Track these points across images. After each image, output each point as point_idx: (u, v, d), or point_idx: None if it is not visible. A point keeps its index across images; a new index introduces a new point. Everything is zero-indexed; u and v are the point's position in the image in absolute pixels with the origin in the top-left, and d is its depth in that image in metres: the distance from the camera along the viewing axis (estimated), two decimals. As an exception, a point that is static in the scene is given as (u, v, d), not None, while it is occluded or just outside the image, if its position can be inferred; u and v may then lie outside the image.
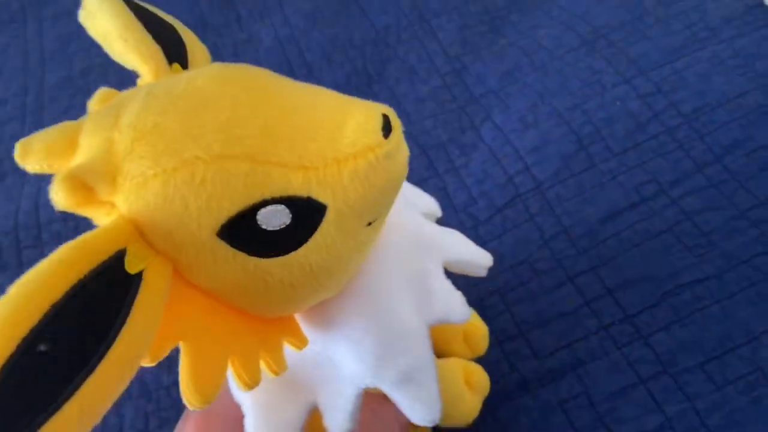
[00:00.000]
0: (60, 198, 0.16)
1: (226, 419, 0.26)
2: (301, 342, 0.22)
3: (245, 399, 0.24)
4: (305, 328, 0.23)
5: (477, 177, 0.44)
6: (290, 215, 0.17)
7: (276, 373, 0.21)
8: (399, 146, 0.18)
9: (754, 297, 0.35)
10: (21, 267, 0.44)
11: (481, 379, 0.32)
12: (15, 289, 0.14)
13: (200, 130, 0.17)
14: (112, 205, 0.17)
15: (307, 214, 0.18)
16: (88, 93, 0.56)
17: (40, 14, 0.66)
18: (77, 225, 0.46)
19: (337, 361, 0.23)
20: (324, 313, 0.23)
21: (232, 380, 0.23)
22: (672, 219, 0.39)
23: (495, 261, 0.39)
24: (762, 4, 0.47)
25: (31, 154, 0.18)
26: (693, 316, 0.35)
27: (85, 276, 0.15)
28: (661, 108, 0.44)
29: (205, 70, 0.19)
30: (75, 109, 0.55)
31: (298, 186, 0.17)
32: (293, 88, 0.19)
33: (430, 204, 0.30)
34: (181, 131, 0.17)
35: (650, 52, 0.47)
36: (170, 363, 0.20)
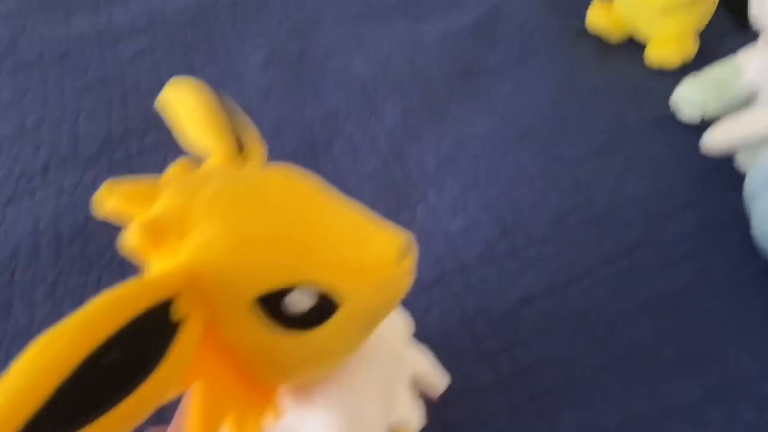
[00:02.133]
0: (134, 238, 0.20)
1: None
2: (278, 414, 0.25)
3: None
4: (285, 402, 0.26)
5: (408, 254, 0.47)
6: (312, 302, 0.21)
7: None
8: (411, 269, 0.23)
9: (654, 384, 0.38)
10: None
11: None
12: (82, 313, 0.17)
13: (264, 214, 0.21)
14: (174, 253, 0.20)
15: (327, 304, 0.22)
16: (40, 145, 0.56)
17: (-1, 65, 0.67)
18: (10, 279, 0.46)
19: None
20: (305, 393, 0.26)
21: None
22: (582, 306, 0.42)
23: (419, 336, 0.42)
24: (673, 115, 0.53)
25: (116, 193, 0.22)
26: (593, 398, 0.38)
27: (139, 314, 0.18)
28: (579, 203, 0.48)
29: (277, 170, 0.23)
30: (22, 160, 0.56)
31: (327, 280, 0.21)
32: (341, 202, 0.23)
33: (406, 322, 0.34)
34: (250, 213, 0.21)
35: (572, 151, 0.52)
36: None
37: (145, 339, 0.18)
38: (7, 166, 0.55)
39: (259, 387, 0.24)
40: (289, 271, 0.21)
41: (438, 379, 0.33)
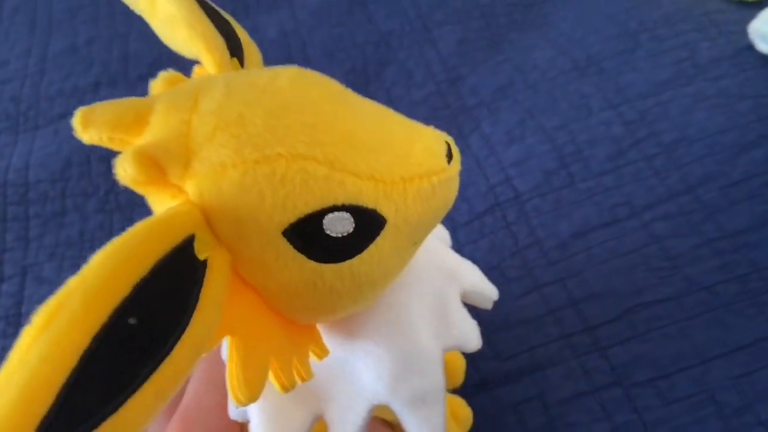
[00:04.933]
0: (129, 173, 0.16)
1: (207, 428, 0.25)
2: (323, 352, 0.22)
3: (253, 406, 0.24)
4: (326, 338, 0.23)
5: (460, 182, 0.45)
6: (353, 224, 0.18)
7: (303, 380, 0.20)
8: (456, 174, 0.20)
9: (709, 322, 0.36)
10: (5, 222, 0.45)
11: (465, 412, 0.33)
12: (101, 259, 0.14)
13: (285, 130, 0.17)
14: (179, 189, 0.17)
15: (368, 226, 0.18)
16: (91, 63, 0.57)
17: (51, -18, 0.67)
18: (64, 187, 0.46)
19: (353, 374, 0.24)
20: (348, 326, 0.24)
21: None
22: (641, 241, 0.40)
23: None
24: (751, 47, 0.49)
25: (94, 124, 0.17)
26: (650, 334, 0.36)
27: (165, 255, 0.15)
28: (642, 136, 0.45)
29: (284, 71, 0.19)
30: (75, 77, 0.56)
31: (367, 197, 0.18)
32: (367, 104, 0.20)
33: (445, 236, 0.32)
34: (265, 127, 0.17)
35: (638, 83, 0.49)
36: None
37: (171, 287, 0.15)
38: (59, 81, 0.55)
39: (297, 327, 0.21)
40: (323, 191, 0.17)
41: (490, 290, 0.29)
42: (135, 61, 0.57)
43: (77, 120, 0.17)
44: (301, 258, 0.18)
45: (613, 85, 0.49)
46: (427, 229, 0.21)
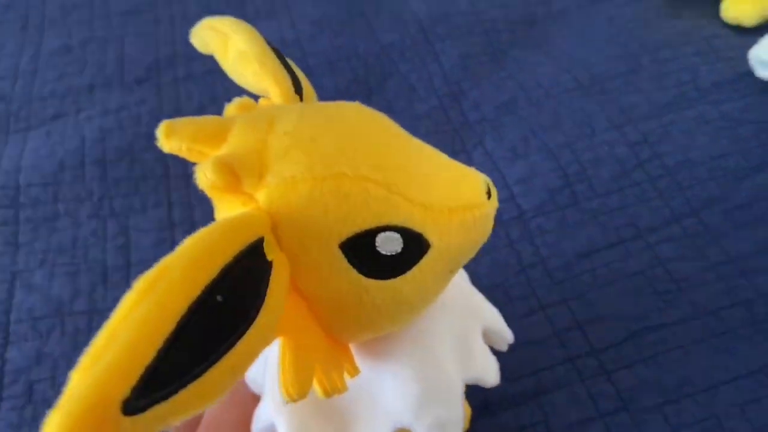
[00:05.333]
0: (210, 177, 0.17)
1: None
2: (354, 370, 0.23)
3: (281, 422, 0.24)
4: (356, 358, 0.24)
5: (463, 199, 0.45)
6: (402, 245, 0.19)
7: (339, 393, 0.21)
8: (495, 210, 0.22)
9: (716, 346, 0.36)
10: (-7, 225, 0.43)
11: (465, 410, 0.33)
12: (193, 242, 0.16)
13: (351, 153, 0.19)
14: (251, 197, 0.18)
15: (415, 248, 0.20)
16: (85, 64, 0.55)
17: (45, -20, 0.65)
18: (56, 192, 0.45)
19: (379, 396, 0.24)
20: (378, 348, 0.25)
21: (271, 400, 0.25)
22: (646, 263, 0.40)
23: (471, 282, 0.40)
24: (751, 73, 0.50)
25: (177, 135, 0.19)
26: (656, 358, 0.36)
27: (243, 248, 0.16)
28: (646, 157, 0.45)
29: (349, 104, 0.21)
30: (69, 78, 0.54)
31: (416, 222, 0.19)
32: (416, 140, 0.22)
33: (463, 272, 0.32)
34: (334, 148, 0.19)
35: (641, 104, 0.49)
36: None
37: (246, 279, 0.17)
38: (52, 82, 0.54)
39: (334, 343, 0.22)
40: (380, 211, 0.19)
41: (507, 333, 0.30)
42: (131, 64, 0.56)
43: (162, 130, 0.19)
44: (352, 271, 0.19)
45: (616, 105, 0.49)
46: (465, 259, 0.22)
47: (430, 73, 0.54)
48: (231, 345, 0.16)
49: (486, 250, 0.42)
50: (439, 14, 0.59)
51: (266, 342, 0.17)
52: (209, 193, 0.19)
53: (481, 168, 0.46)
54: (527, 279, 0.40)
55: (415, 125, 0.50)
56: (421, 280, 0.21)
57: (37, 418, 0.36)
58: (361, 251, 0.19)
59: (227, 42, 0.25)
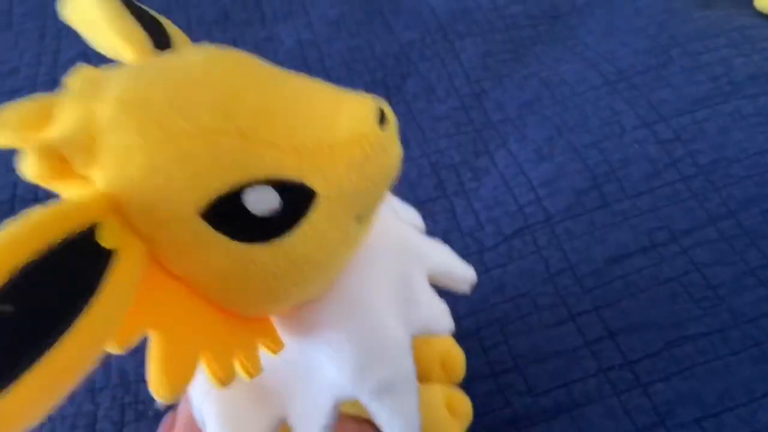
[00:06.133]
0: (31, 169, 0.16)
1: None
2: (276, 345, 0.21)
3: (209, 411, 0.22)
4: (282, 332, 0.22)
5: (486, 203, 0.44)
6: (279, 199, 0.17)
7: (251, 375, 0.19)
8: (393, 139, 0.18)
9: (757, 357, 0.34)
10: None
11: (464, 406, 0.32)
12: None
13: (188, 103, 0.16)
14: (88, 179, 0.16)
15: (296, 200, 0.17)
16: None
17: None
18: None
19: (314, 369, 0.22)
20: (304, 317, 0.22)
21: (198, 387, 0.22)
22: (681, 268, 0.38)
23: (496, 291, 0.39)
24: (788, 66, 0.47)
25: (4, 127, 0.16)
26: (694, 370, 0.34)
27: (57, 243, 0.14)
28: (678, 156, 0.43)
29: (198, 50, 0.18)
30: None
31: (290, 169, 0.17)
32: (287, 75, 0.19)
33: (414, 218, 0.29)
34: (168, 104, 0.16)
35: (672, 100, 0.47)
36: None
37: (74, 267, 0.14)
38: (69, 91, 0.54)
39: (242, 320, 0.20)
40: (238, 165, 0.16)
41: (462, 270, 0.27)
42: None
43: None
44: (225, 240, 0.17)
45: (645, 101, 0.47)
46: (370, 201, 0.20)
47: (450, 72, 0.53)
48: (38, 354, 0.13)
49: (512, 257, 0.41)
50: (458, 10, 0.57)
51: (104, 341, 0.15)
52: (42, 184, 0.17)
53: (505, 171, 0.45)
54: (555, 287, 0.39)
55: (435, 126, 0.49)
56: (317, 235, 0.18)
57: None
58: (229, 216, 0.17)
59: (79, 7, 0.22)
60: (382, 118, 0.18)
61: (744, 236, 0.39)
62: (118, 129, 0.16)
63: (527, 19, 0.56)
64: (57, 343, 0.14)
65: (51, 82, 0.55)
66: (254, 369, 0.19)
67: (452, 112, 0.50)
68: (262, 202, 0.17)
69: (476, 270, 0.40)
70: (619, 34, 0.53)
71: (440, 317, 0.24)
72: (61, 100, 0.17)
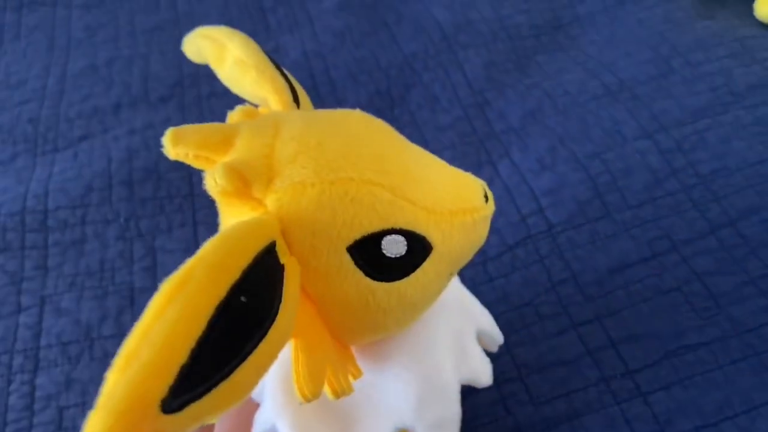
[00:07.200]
0: (220, 183, 0.18)
1: None
2: (357, 372, 0.23)
3: (282, 422, 0.25)
4: (358, 360, 0.24)
5: (490, 213, 0.44)
6: (406, 247, 0.20)
7: (346, 393, 0.21)
8: (491, 213, 0.23)
9: (757, 366, 0.35)
10: (23, 250, 0.43)
11: None
12: (213, 246, 0.16)
13: (356, 158, 0.19)
14: (260, 202, 0.19)
15: (418, 250, 0.21)
16: (112, 84, 0.55)
17: (70, 1, 0.66)
18: (84, 214, 0.45)
19: (380, 397, 0.25)
20: (379, 351, 0.25)
21: (269, 404, 0.25)
22: (682, 278, 0.38)
23: (499, 300, 0.39)
24: (788, 75, 0.48)
25: (184, 142, 0.20)
26: (694, 379, 0.35)
27: (259, 252, 0.17)
28: (679, 166, 0.44)
29: (353, 111, 0.22)
30: (95, 98, 0.55)
31: (420, 224, 0.20)
32: (416, 147, 0.23)
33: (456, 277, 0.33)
34: (340, 153, 0.19)
35: (673, 110, 0.47)
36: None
37: (265, 280, 0.17)
38: (79, 102, 0.54)
39: (339, 346, 0.23)
40: (386, 214, 0.19)
41: (498, 335, 0.31)
42: (156, 82, 0.56)
43: (168, 137, 0.20)
44: (359, 274, 0.20)
45: (647, 111, 0.48)
46: (464, 260, 0.23)
47: (453, 82, 0.53)
48: (256, 344, 0.16)
49: (515, 266, 0.41)
50: (462, 21, 0.58)
51: (285, 341, 0.18)
52: (218, 198, 0.19)
53: (508, 180, 0.45)
54: (558, 296, 0.39)
55: (438, 137, 0.50)
56: (424, 282, 0.21)
57: (68, 443, 0.36)
58: (367, 254, 0.20)
59: (223, 50, 0.26)
60: (485, 195, 0.23)
61: (744, 245, 0.39)
62: (296, 164, 0.19)
63: (530, 29, 0.57)
64: (267, 332, 0.17)
65: (59, 94, 0.56)
66: (348, 389, 0.22)
67: (456, 123, 0.51)
68: (395, 247, 0.20)
69: (480, 279, 0.41)
70: (621, 44, 0.54)
71: (485, 372, 0.28)
72: (241, 131, 0.20)
